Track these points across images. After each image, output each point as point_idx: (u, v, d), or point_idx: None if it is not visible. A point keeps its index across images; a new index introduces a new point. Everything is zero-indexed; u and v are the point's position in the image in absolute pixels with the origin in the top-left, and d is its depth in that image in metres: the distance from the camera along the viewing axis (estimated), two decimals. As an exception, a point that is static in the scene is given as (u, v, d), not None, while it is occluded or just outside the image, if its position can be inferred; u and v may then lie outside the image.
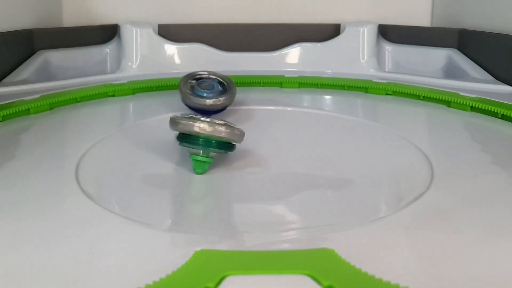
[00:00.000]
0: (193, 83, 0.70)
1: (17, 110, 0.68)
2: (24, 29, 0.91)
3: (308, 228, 0.40)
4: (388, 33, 1.04)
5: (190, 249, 0.29)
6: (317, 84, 0.91)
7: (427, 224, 0.38)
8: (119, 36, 1.01)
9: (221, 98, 0.68)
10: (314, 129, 0.69)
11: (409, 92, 0.83)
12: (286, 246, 0.36)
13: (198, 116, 0.49)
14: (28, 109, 0.70)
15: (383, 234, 0.36)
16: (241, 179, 0.50)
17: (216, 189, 0.48)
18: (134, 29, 0.99)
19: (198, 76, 0.72)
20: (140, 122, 0.70)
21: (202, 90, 0.69)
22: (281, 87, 0.92)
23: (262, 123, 0.71)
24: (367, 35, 1.02)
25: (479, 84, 0.83)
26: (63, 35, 0.98)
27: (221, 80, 0.72)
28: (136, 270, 0.31)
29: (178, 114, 0.51)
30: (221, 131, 0.48)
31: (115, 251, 0.34)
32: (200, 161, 0.49)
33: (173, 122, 0.49)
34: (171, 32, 1.04)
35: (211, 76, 0.72)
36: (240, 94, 0.84)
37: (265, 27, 1.07)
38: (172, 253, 0.33)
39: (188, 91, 0.68)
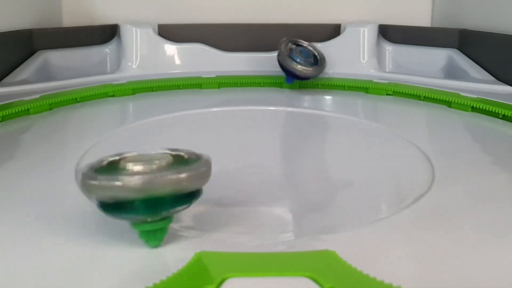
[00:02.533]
0: (293, 47, 0.83)
1: (17, 110, 0.68)
2: (24, 29, 0.91)
3: (308, 229, 0.39)
4: (389, 33, 1.04)
5: (190, 251, 0.29)
6: (317, 84, 0.91)
7: (429, 225, 0.37)
8: (119, 36, 1.01)
9: (310, 68, 0.82)
10: (314, 130, 0.69)
11: (409, 93, 0.82)
12: (286, 248, 0.36)
13: (124, 157, 0.32)
14: (28, 109, 0.70)
15: (384, 235, 0.36)
16: (241, 180, 0.49)
17: (216, 190, 0.48)
18: (134, 29, 0.99)
19: (300, 43, 0.87)
20: (140, 122, 0.69)
21: (297, 55, 0.82)
22: (281, 87, 0.91)
23: (262, 123, 0.71)
24: (367, 35, 1.02)
25: (480, 84, 0.82)
26: (62, 35, 0.98)
27: (316, 54, 0.86)
28: (136, 272, 0.31)
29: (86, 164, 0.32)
30: (165, 183, 0.28)
31: (114, 253, 0.33)
32: (150, 231, 0.32)
33: (86, 186, 0.29)
34: (171, 32, 1.04)
35: (309, 48, 0.87)
36: (240, 94, 0.84)
37: (265, 27, 1.07)
38: (172, 254, 0.33)
39: (286, 51, 0.81)
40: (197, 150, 0.36)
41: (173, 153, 0.31)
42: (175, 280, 0.26)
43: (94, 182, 0.28)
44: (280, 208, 0.44)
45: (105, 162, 0.31)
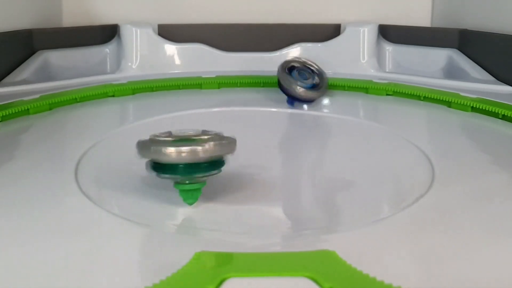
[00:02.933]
0: (292, 68, 0.77)
1: (17, 110, 0.68)
2: (24, 29, 0.91)
3: (308, 229, 0.39)
4: (389, 33, 1.04)
5: (190, 251, 0.29)
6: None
7: (429, 225, 0.37)
8: (119, 36, 1.01)
9: (315, 93, 0.75)
10: (314, 130, 0.69)
11: (409, 93, 0.82)
12: (286, 248, 0.36)
13: (171, 137, 0.39)
14: (28, 109, 0.70)
15: (384, 235, 0.36)
16: (241, 180, 0.49)
17: (216, 190, 0.48)
18: (134, 29, 0.99)
19: (297, 62, 0.79)
20: (140, 122, 0.69)
21: (298, 77, 0.76)
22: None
23: (262, 124, 0.71)
24: (367, 35, 1.02)
25: (480, 84, 0.82)
26: (62, 35, 0.98)
27: (316, 72, 0.78)
28: (136, 272, 0.31)
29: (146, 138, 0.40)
30: (205, 150, 0.37)
31: (114, 253, 0.33)
32: (189, 190, 0.40)
33: (142, 147, 0.39)
34: (171, 32, 1.04)
35: (309, 66, 0.79)
36: (240, 94, 0.84)
37: (265, 27, 1.07)
38: (171, 254, 0.33)
39: (286, 73, 0.75)
40: None
41: (203, 131, 0.40)
42: (175, 280, 0.26)
43: (152, 147, 0.38)
44: (280, 208, 0.44)
45: (158, 137, 0.39)
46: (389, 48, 1.03)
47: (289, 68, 0.76)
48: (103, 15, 1.08)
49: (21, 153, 0.55)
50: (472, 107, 0.72)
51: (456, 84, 0.84)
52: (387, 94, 0.85)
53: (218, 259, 0.28)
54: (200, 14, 1.09)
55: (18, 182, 0.46)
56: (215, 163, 0.39)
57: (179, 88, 0.90)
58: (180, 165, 0.38)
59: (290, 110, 0.77)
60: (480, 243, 0.35)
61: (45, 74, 0.90)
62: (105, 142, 0.59)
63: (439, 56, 0.97)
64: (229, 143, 0.40)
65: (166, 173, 0.39)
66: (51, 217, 0.39)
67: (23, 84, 0.81)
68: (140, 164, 0.54)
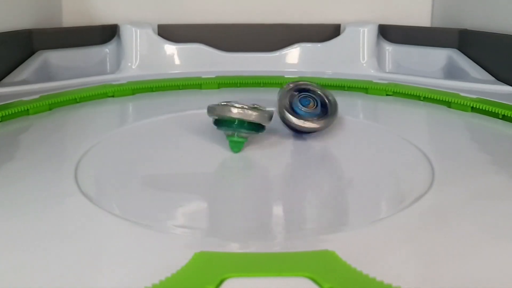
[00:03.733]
0: (295, 94, 0.62)
1: (16, 111, 0.68)
2: (24, 29, 0.91)
3: (308, 229, 0.39)
4: (388, 33, 1.04)
5: (190, 251, 0.29)
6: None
7: (428, 226, 0.37)
8: (119, 36, 1.01)
9: (314, 124, 0.60)
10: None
11: (409, 93, 0.82)
12: (286, 248, 0.36)
13: (232, 103, 0.56)
14: (27, 109, 0.70)
15: (384, 235, 0.36)
16: (241, 180, 0.49)
17: (215, 190, 0.48)
18: (133, 29, 0.99)
19: (305, 87, 0.64)
20: (139, 122, 0.69)
21: (299, 104, 0.61)
22: (282, 87, 0.91)
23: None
24: (367, 35, 1.02)
25: (480, 84, 0.82)
26: (62, 35, 0.98)
27: (326, 100, 0.63)
28: (135, 273, 0.31)
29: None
30: (251, 115, 0.55)
31: (114, 253, 0.33)
32: (236, 141, 0.57)
33: (210, 109, 0.58)
34: (171, 32, 1.04)
35: (318, 92, 0.64)
36: (241, 94, 0.84)
37: (265, 27, 1.07)
38: (171, 255, 0.33)
39: (285, 102, 0.61)
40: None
41: (251, 106, 0.55)
42: (174, 280, 0.26)
43: (215, 107, 0.56)
44: (280, 208, 0.44)
45: (221, 103, 0.56)
46: (389, 48, 1.03)
47: (291, 93, 0.63)
48: (103, 15, 1.09)
49: (21, 153, 0.55)
50: (472, 107, 0.72)
51: (456, 84, 0.84)
52: (387, 94, 0.85)
53: (218, 259, 0.28)
54: (200, 14, 1.09)
55: (18, 182, 0.46)
56: (257, 126, 0.56)
57: (179, 88, 0.90)
58: (235, 122, 0.55)
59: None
60: (480, 243, 0.35)
61: (45, 74, 0.90)
62: (105, 142, 0.59)
63: (439, 56, 0.97)
64: (268, 115, 0.56)
65: (223, 126, 0.56)
66: (51, 218, 0.39)
67: (23, 84, 0.81)
68: (140, 165, 0.54)
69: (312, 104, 0.61)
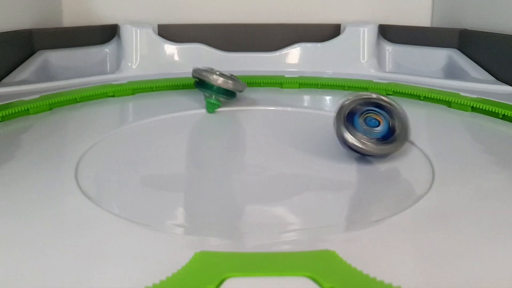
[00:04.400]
0: (358, 108, 0.52)
1: (17, 110, 0.68)
2: (24, 29, 0.91)
3: (309, 229, 0.39)
4: (389, 33, 1.04)
5: (190, 251, 0.29)
6: (318, 85, 0.91)
7: (429, 226, 0.37)
8: (119, 36, 1.01)
9: (373, 145, 0.50)
10: (314, 130, 0.68)
11: (409, 93, 0.82)
12: (286, 248, 0.36)
13: (214, 70, 0.70)
14: (28, 109, 0.70)
15: (384, 235, 0.36)
16: (241, 180, 0.49)
17: (216, 190, 0.48)
18: (133, 29, 0.99)
19: (379, 102, 0.53)
20: (139, 122, 0.69)
21: (361, 121, 0.51)
22: (281, 87, 0.91)
23: (262, 123, 0.71)
24: (367, 35, 1.02)
25: (480, 84, 0.82)
26: (62, 35, 0.98)
27: (396, 122, 0.52)
28: (136, 272, 0.31)
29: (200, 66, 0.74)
30: (229, 83, 0.69)
31: (114, 253, 0.33)
32: (212, 103, 0.71)
33: (195, 71, 0.72)
34: (171, 32, 1.04)
35: (392, 111, 0.52)
36: (241, 94, 0.83)
37: (265, 27, 1.07)
38: (172, 254, 0.33)
39: (342, 114, 0.52)
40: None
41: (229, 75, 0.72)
42: (175, 280, 0.26)
43: (200, 71, 0.71)
44: (280, 208, 0.44)
45: (205, 68, 0.73)
46: (389, 48, 1.03)
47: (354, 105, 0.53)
48: (103, 15, 1.08)
49: (21, 152, 0.55)
50: (472, 107, 0.72)
51: (456, 84, 0.84)
52: (387, 94, 0.85)
53: (218, 259, 0.28)
54: (200, 14, 1.09)
55: (18, 182, 0.46)
56: (231, 93, 0.73)
57: (179, 88, 0.90)
58: (214, 87, 0.70)
59: (289, 109, 0.77)
60: (480, 243, 0.35)
61: (45, 74, 0.90)
62: (105, 142, 0.59)
63: (439, 56, 0.97)
64: (242, 86, 0.73)
65: (203, 87, 0.71)
66: (51, 217, 0.39)
67: (23, 84, 0.81)
68: (140, 164, 0.54)
69: (377, 121, 0.51)
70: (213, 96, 0.70)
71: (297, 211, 0.43)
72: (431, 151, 0.54)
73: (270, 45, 1.04)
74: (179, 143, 0.62)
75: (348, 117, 0.51)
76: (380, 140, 0.50)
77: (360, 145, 0.50)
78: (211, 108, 0.71)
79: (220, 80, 0.69)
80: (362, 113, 0.52)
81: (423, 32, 1.02)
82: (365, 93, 0.54)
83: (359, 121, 0.51)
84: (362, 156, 0.53)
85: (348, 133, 0.50)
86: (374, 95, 0.53)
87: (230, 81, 0.70)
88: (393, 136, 0.51)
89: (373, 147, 0.50)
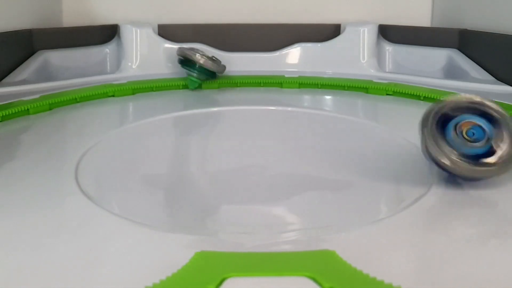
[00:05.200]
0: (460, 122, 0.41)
1: (17, 110, 0.68)
2: (24, 29, 0.91)
3: (308, 229, 0.39)
4: (388, 33, 1.04)
5: (191, 251, 0.29)
6: (317, 84, 0.91)
7: (428, 226, 0.37)
8: (119, 36, 1.01)
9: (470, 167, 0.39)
10: (314, 130, 0.69)
11: (409, 93, 0.82)
12: (286, 248, 0.36)
13: (198, 50, 0.80)
14: (28, 109, 0.70)
15: (384, 235, 0.36)
16: (241, 180, 0.49)
17: (216, 190, 0.48)
18: (134, 29, 0.99)
19: (484, 110, 0.41)
20: (140, 122, 0.69)
21: (458, 134, 0.40)
22: (281, 87, 0.91)
23: (262, 123, 0.71)
24: (367, 35, 1.02)
25: (480, 84, 0.82)
26: (63, 35, 0.98)
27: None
28: (136, 272, 0.31)
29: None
30: (209, 63, 0.80)
31: (114, 253, 0.33)
32: (194, 80, 0.81)
33: (180, 49, 0.82)
34: (171, 32, 1.04)
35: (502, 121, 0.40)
36: (241, 94, 0.84)
37: (265, 27, 1.07)
38: (172, 254, 0.33)
39: (434, 125, 0.41)
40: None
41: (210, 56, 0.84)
42: (175, 279, 0.26)
43: (184, 50, 0.85)
44: (280, 208, 0.44)
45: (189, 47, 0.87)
46: (389, 48, 1.03)
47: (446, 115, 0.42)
48: (103, 15, 1.08)
49: (21, 153, 0.55)
50: (472, 107, 0.72)
51: (456, 84, 0.84)
52: (387, 94, 0.85)
53: (218, 259, 0.28)
54: (200, 14, 1.09)
55: (19, 182, 0.46)
56: (212, 74, 0.83)
57: (179, 88, 0.90)
58: (196, 65, 0.80)
59: (289, 108, 0.77)
60: (479, 243, 0.35)
61: (45, 74, 0.90)
62: (105, 142, 0.59)
63: (439, 56, 0.97)
64: (222, 68, 0.84)
65: (186, 65, 0.82)
66: (51, 217, 0.39)
67: (23, 84, 0.81)
68: (140, 164, 0.54)
69: (478, 133, 0.40)
70: (195, 74, 0.80)
71: (297, 210, 0.43)
72: (431, 151, 0.54)
73: (270, 45, 1.04)
74: (179, 143, 0.62)
75: (438, 125, 0.41)
76: (477, 158, 0.39)
77: (449, 163, 0.39)
78: (192, 85, 0.81)
79: (202, 60, 0.79)
80: (458, 121, 0.41)
81: (423, 32, 1.02)
82: (464, 95, 0.42)
83: (452, 132, 0.40)
84: (360, 155, 0.53)
85: (435, 146, 0.40)
86: (477, 99, 0.41)
87: (211, 62, 0.80)
88: (495, 155, 0.39)
89: (466, 167, 0.39)
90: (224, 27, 1.07)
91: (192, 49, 0.81)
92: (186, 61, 0.82)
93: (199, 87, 0.84)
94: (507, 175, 0.45)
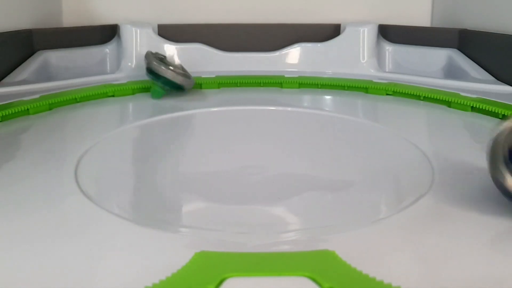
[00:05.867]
0: None
1: (17, 110, 0.68)
2: (24, 29, 0.91)
3: (308, 229, 0.39)
4: (388, 33, 1.04)
5: (190, 251, 0.29)
6: (317, 84, 0.91)
7: (428, 226, 0.37)
8: (119, 36, 1.01)
9: None
10: (314, 130, 0.69)
11: (409, 93, 0.82)
12: (286, 248, 0.36)
13: (165, 59, 0.75)
14: (28, 109, 0.70)
15: (383, 235, 0.36)
16: (241, 180, 0.49)
17: (215, 190, 0.48)
18: (134, 29, 0.99)
19: None
20: (139, 122, 0.69)
21: None
22: (281, 87, 0.91)
23: (262, 123, 0.71)
24: (367, 35, 1.02)
25: (480, 84, 0.82)
26: (62, 35, 0.98)
27: None
28: (135, 272, 0.31)
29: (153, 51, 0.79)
30: (176, 77, 0.74)
31: (114, 253, 0.33)
32: (157, 91, 0.77)
33: (148, 56, 0.76)
34: (171, 32, 1.04)
35: None
36: (241, 94, 0.84)
37: (265, 27, 1.07)
38: (171, 254, 0.33)
39: (499, 152, 0.37)
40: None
41: (180, 71, 0.77)
42: (174, 280, 0.26)
43: (152, 60, 0.78)
44: (280, 208, 0.44)
45: (157, 56, 0.78)
46: (389, 48, 1.03)
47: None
48: (103, 15, 1.08)
49: (21, 153, 0.55)
50: (472, 107, 0.72)
51: (456, 84, 0.84)
52: (387, 94, 0.85)
53: (218, 259, 0.28)
54: (200, 14, 1.09)
55: (18, 182, 0.46)
56: (178, 86, 0.78)
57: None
58: (162, 76, 0.76)
59: (289, 108, 0.77)
60: (479, 243, 0.35)
61: (45, 74, 0.90)
62: (105, 142, 0.59)
63: (439, 56, 0.97)
64: (191, 82, 0.79)
65: (151, 75, 0.77)
66: (51, 217, 0.39)
67: (23, 84, 0.81)
68: (140, 164, 0.54)
69: None
70: (159, 85, 0.76)
71: (297, 210, 0.43)
72: (431, 151, 0.54)
73: (270, 45, 1.04)
74: (179, 143, 0.62)
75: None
76: None
77: None
78: (155, 95, 0.76)
79: (169, 73, 0.74)
80: None
81: (423, 32, 1.02)
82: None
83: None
84: (361, 155, 0.53)
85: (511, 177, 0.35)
86: None
87: (179, 76, 0.75)
88: None
89: None
90: (224, 27, 1.07)
91: (159, 57, 0.77)
92: (153, 72, 0.77)
93: (162, 96, 0.79)
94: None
